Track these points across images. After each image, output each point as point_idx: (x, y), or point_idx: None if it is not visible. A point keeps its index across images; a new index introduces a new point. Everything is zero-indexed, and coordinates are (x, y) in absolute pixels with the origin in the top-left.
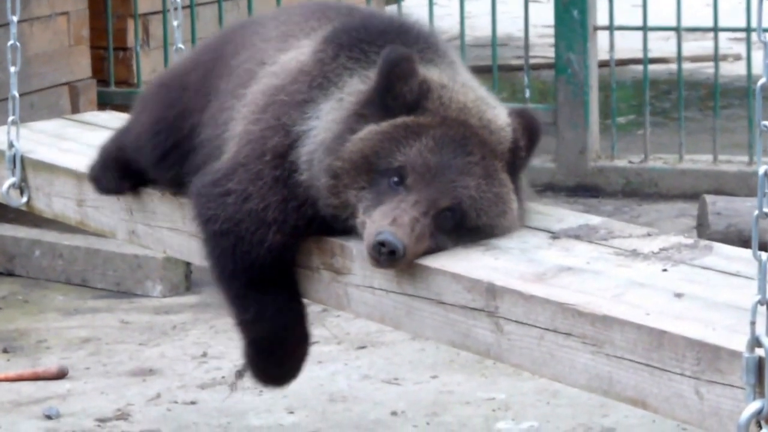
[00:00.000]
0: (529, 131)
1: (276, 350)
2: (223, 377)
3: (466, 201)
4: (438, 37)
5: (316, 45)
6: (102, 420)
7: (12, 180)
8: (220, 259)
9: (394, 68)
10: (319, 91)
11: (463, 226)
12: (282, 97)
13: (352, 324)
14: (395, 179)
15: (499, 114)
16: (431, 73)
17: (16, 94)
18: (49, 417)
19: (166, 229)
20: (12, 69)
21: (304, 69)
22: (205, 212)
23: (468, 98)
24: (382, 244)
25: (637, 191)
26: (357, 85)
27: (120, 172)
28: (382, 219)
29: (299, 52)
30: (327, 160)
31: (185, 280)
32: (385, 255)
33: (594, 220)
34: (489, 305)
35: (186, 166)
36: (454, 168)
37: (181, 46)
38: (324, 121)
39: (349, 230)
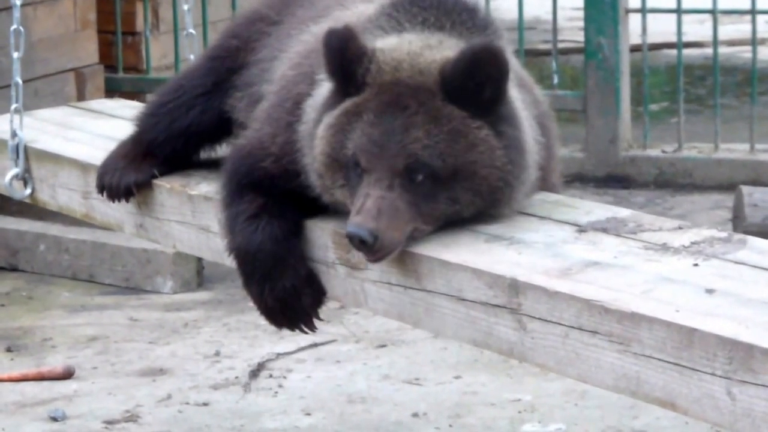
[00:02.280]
0: (467, 57)
1: (259, 265)
2: (236, 377)
3: (420, 152)
4: (474, 12)
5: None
6: (110, 422)
7: (15, 171)
8: (228, 165)
9: (339, 53)
10: None
11: (439, 179)
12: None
13: (371, 322)
14: (357, 169)
15: (438, 53)
16: (383, 41)
17: (20, 81)
18: (54, 419)
19: (174, 223)
20: (15, 54)
21: (352, 21)
22: (237, 141)
23: (405, 49)
24: (350, 238)
25: (670, 182)
26: None
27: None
28: (353, 213)
29: (368, 7)
30: (307, 159)
31: (197, 275)
32: (360, 247)
33: (623, 212)
34: (512, 302)
35: (229, 103)
36: (397, 129)
37: (191, 31)
38: (324, 87)
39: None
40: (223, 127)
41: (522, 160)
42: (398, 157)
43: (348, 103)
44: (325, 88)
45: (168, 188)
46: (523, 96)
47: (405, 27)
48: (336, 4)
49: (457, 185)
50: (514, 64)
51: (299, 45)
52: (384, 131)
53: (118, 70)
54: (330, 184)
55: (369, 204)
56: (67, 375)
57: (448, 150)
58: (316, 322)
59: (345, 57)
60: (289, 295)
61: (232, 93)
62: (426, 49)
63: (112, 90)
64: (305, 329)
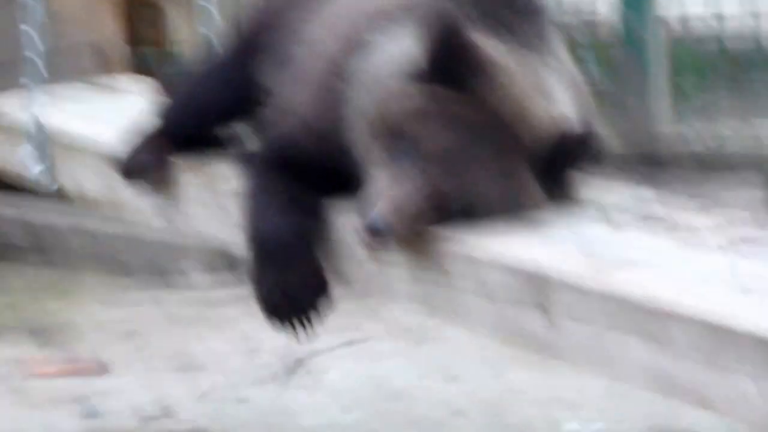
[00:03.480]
0: (573, 148)
1: (272, 255)
2: (274, 373)
3: (470, 190)
4: (543, 7)
5: None
6: (145, 418)
7: (41, 166)
8: (255, 142)
9: (441, 39)
10: (404, 12)
11: (469, 213)
12: (366, 7)
13: (410, 318)
14: (407, 150)
15: (544, 105)
16: (488, 46)
17: (36, 57)
18: (88, 414)
19: (198, 207)
20: (29, 29)
21: None
22: (265, 113)
23: (515, 84)
24: (369, 224)
25: (706, 161)
26: None
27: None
28: (377, 193)
29: None
30: (360, 100)
31: (235, 270)
32: (371, 234)
33: (659, 210)
34: (542, 299)
35: (255, 68)
36: (470, 155)
37: (205, 4)
38: (385, 48)
39: (361, 181)
40: (244, 102)
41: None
42: (452, 179)
43: (445, 93)
44: (388, 52)
45: (189, 173)
46: (566, 85)
47: (461, 7)
48: None
49: (485, 216)
50: (556, 47)
51: (335, 7)
52: (459, 146)
53: (138, 43)
54: (371, 132)
55: (399, 198)
56: (101, 370)
57: (495, 201)
58: (310, 330)
59: (449, 47)
60: (295, 290)
61: (258, 56)
62: (531, 91)
63: (133, 64)
64: (300, 328)
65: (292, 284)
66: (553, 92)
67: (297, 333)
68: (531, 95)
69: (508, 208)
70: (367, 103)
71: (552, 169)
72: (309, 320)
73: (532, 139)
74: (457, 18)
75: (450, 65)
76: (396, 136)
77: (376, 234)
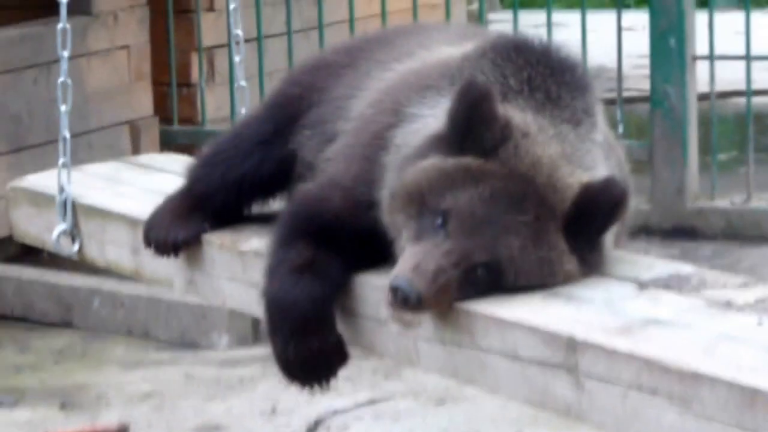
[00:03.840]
0: (597, 197)
1: (290, 321)
2: None
3: (504, 261)
4: (579, 72)
5: (472, 44)
6: None
7: (62, 227)
8: (289, 208)
9: (472, 108)
10: (447, 82)
11: (499, 284)
12: (410, 78)
13: (429, 377)
14: (439, 221)
15: (576, 173)
16: (518, 117)
17: (68, 135)
18: None
19: (225, 279)
20: (63, 108)
21: (446, 60)
22: (303, 185)
23: (546, 152)
24: (394, 289)
25: (739, 234)
26: None
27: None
28: (407, 261)
29: (456, 49)
30: (393, 175)
31: (253, 330)
32: (399, 301)
33: (686, 268)
34: (569, 360)
35: (295, 142)
36: (502, 224)
37: (243, 83)
38: (425, 122)
39: (392, 254)
40: (281, 177)
41: (592, 274)
42: (483, 250)
43: (471, 162)
44: (428, 124)
45: (218, 244)
46: (607, 155)
47: (509, 82)
48: (419, 47)
49: (516, 286)
50: (601, 121)
51: (380, 83)
52: (489, 217)
53: (173, 122)
54: (400, 206)
55: (430, 267)
56: None
57: (529, 272)
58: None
59: (478, 116)
60: (313, 356)
61: (300, 131)
62: (563, 160)
63: (167, 142)
64: (319, 389)
65: (311, 354)
66: (588, 161)
67: (315, 392)
68: (562, 164)
69: (540, 278)
70: (398, 179)
71: (585, 235)
72: (328, 383)
73: (564, 206)
74: (485, 88)
75: (477, 133)
76: (426, 207)
77: (404, 302)
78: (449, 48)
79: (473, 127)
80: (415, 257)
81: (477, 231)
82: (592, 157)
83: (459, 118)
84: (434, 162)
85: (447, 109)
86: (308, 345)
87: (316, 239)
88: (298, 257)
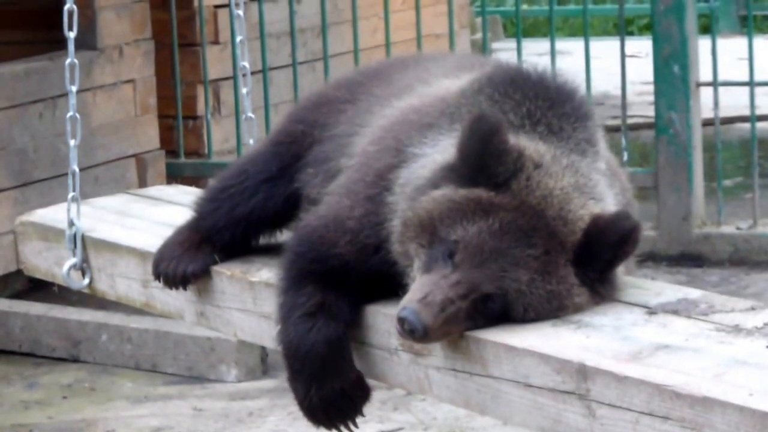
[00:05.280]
0: (609, 230)
1: (309, 365)
2: None
3: (512, 294)
4: (578, 101)
5: (468, 78)
6: None
7: (72, 261)
8: (293, 245)
9: (483, 141)
10: (446, 120)
11: (508, 317)
12: (411, 117)
13: (439, 408)
14: (448, 252)
15: (587, 204)
16: (530, 148)
17: (77, 169)
18: None
19: (236, 311)
20: (72, 142)
21: (444, 96)
22: (305, 218)
23: (558, 185)
24: (401, 320)
25: (746, 260)
26: None
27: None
28: (416, 292)
29: (453, 83)
30: (404, 206)
31: (261, 363)
32: (406, 332)
33: (694, 293)
34: (580, 388)
35: (299, 180)
36: (510, 257)
37: (251, 114)
38: (430, 158)
39: (403, 286)
40: (287, 213)
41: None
42: (491, 282)
43: (482, 194)
44: (435, 160)
45: (228, 275)
46: (611, 183)
47: (509, 117)
48: (417, 81)
49: (525, 319)
50: (603, 149)
51: (381, 120)
52: (498, 250)
53: (179, 155)
54: (411, 236)
55: (437, 299)
56: None
57: (538, 306)
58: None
59: (489, 149)
60: (336, 398)
61: (304, 169)
62: (575, 191)
63: (173, 175)
64: (346, 430)
65: (334, 395)
66: (598, 193)
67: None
68: (575, 195)
69: (549, 312)
70: (410, 208)
71: (596, 267)
72: (354, 422)
73: (574, 238)
74: (496, 120)
75: (488, 166)
76: (436, 237)
77: (411, 333)
78: (447, 81)
79: (484, 160)
80: (423, 288)
81: (485, 263)
82: (600, 187)
83: (469, 150)
84: (445, 193)
85: (457, 142)
86: (330, 388)
87: (323, 280)
88: (309, 301)
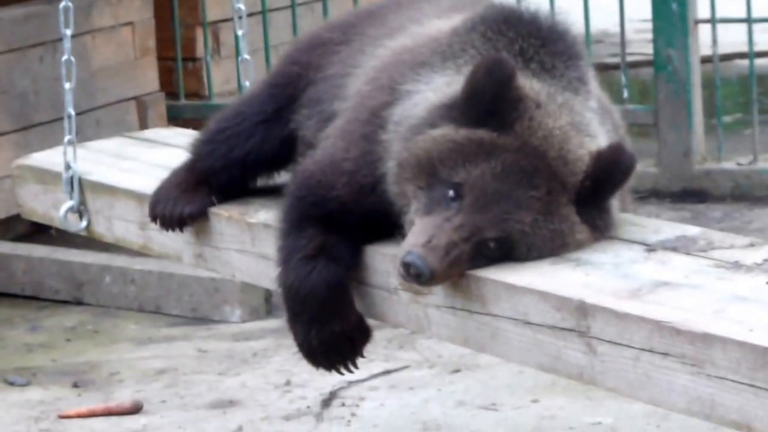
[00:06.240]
0: (613, 168)
1: (309, 308)
2: (308, 407)
3: (515, 235)
4: (570, 40)
5: (461, 17)
6: None
7: (69, 204)
8: (292, 189)
9: (499, 85)
10: (439, 59)
11: (511, 257)
12: (404, 56)
13: (444, 346)
14: (450, 194)
15: (584, 143)
16: (532, 88)
17: (73, 113)
18: None
19: (234, 252)
20: (67, 86)
21: (436, 35)
22: (303, 163)
23: (557, 124)
24: (406, 264)
25: (747, 195)
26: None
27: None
28: (419, 236)
29: (446, 23)
30: (400, 146)
31: (265, 303)
32: (412, 276)
33: (693, 230)
34: (580, 325)
35: (295, 122)
36: (513, 199)
37: (247, 57)
38: (424, 96)
39: (400, 226)
40: (283, 155)
41: (603, 238)
42: (495, 225)
43: (484, 135)
44: (427, 98)
45: (226, 216)
46: (603, 121)
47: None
48: (409, 21)
49: (528, 259)
50: (594, 88)
51: (374, 60)
52: (501, 192)
53: (179, 97)
54: (409, 176)
55: (441, 242)
56: (135, 409)
57: (541, 246)
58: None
59: (504, 93)
60: (335, 340)
61: (299, 110)
62: (572, 130)
63: (174, 117)
64: (346, 371)
65: (334, 337)
66: (592, 130)
67: (341, 374)
68: (572, 134)
69: (552, 251)
70: (406, 148)
71: (593, 202)
72: (354, 363)
73: (575, 178)
74: (512, 65)
75: (499, 110)
76: (436, 179)
77: (417, 276)
78: (440, 21)
79: (496, 103)
80: (426, 231)
81: (489, 206)
82: (593, 125)
83: (481, 92)
84: (446, 132)
85: (466, 82)
86: (330, 329)
87: (323, 223)
88: (309, 244)
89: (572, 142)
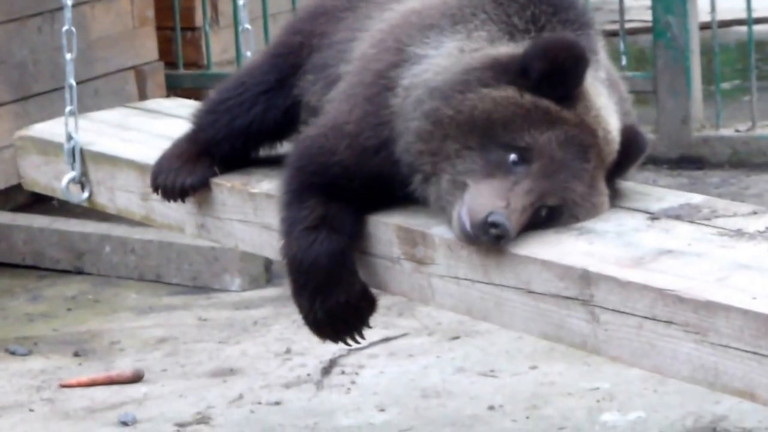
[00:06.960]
0: (634, 148)
1: (313, 279)
2: (308, 374)
3: (569, 204)
4: (580, 8)
5: None
6: (181, 424)
7: (71, 174)
8: (293, 159)
9: (571, 59)
10: (448, 22)
11: (554, 224)
12: (412, 19)
13: (444, 314)
14: (515, 158)
15: (616, 123)
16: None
17: (74, 83)
18: (125, 423)
19: (236, 222)
20: (68, 56)
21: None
22: (303, 131)
23: (602, 104)
24: (494, 224)
25: (745, 161)
26: (491, 33)
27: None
28: (495, 198)
29: None
30: (434, 104)
31: (265, 272)
32: (492, 237)
33: (696, 198)
34: (583, 293)
35: (299, 88)
36: (572, 170)
37: (247, 26)
38: (442, 57)
39: (406, 195)
40: (286, 125)
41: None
42: (556, 192)
43: (550, 105)
44: (439, 63)
45: (228, 187)
46: (610, 93)
47: (514, 20)
48: None
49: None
50: (603, 58)
51: (381, 23)
52: (564, 162)
53: (178, 66)
54: (452, 135)
55: (519, 206)
56: (136, 378)
57: (581, 216)
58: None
59: (578, 72)
60: (340, 310)
61: (303, 77)
62: (608, 110)
63: (173, 87)
64: (352, 341)
65: (338, 307)
66: (613, 107)
67: (347, 344)
68: (610, 114)
69: (585, 219)
70: (442, 105)
71: (613, 178)
72: (360, 334)
73: (612, 156)
74: (583, 45)
75: (566, 83)
76: (495, 141)
77: (498, 237)
78: None
79: (566, 78)
80: (500, 194)
81: (554, 174)
82: (612, 101)
83: (559, 65)
84: (509, 95)
85: (541, 50)
86: (334, 300)
87: (326, 192)
88: (311, 214)
89: (610, 122)
